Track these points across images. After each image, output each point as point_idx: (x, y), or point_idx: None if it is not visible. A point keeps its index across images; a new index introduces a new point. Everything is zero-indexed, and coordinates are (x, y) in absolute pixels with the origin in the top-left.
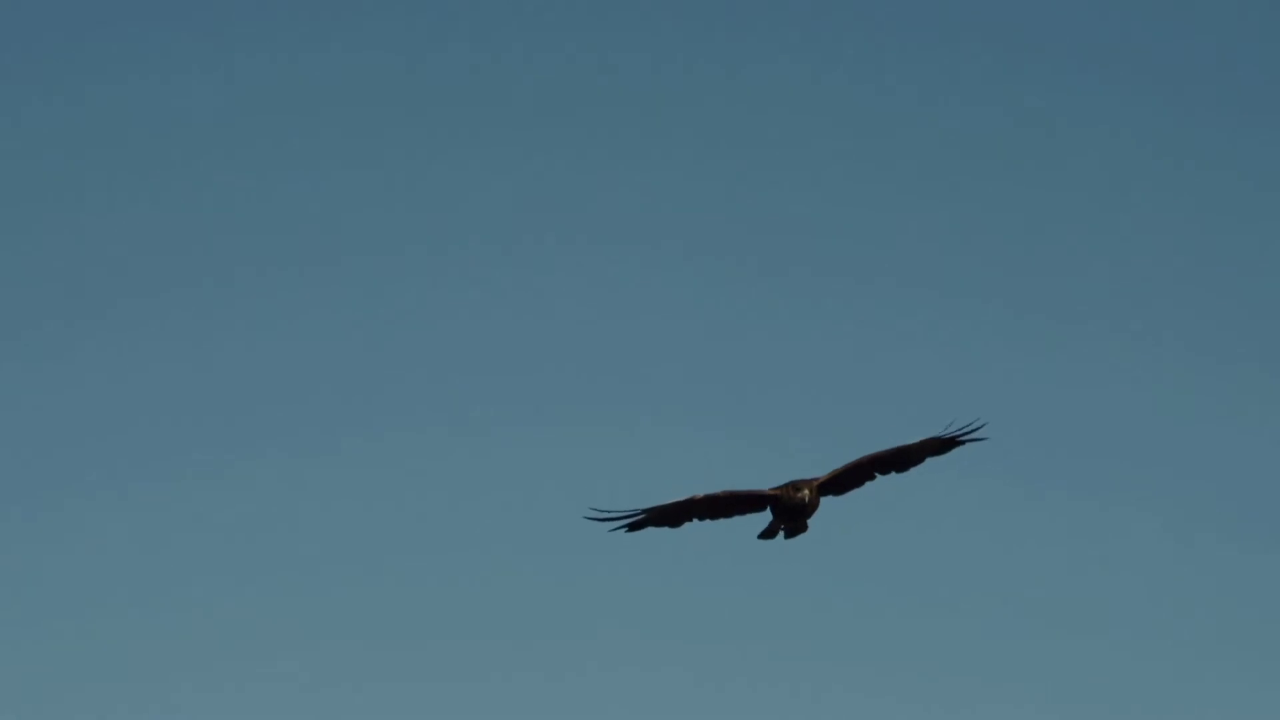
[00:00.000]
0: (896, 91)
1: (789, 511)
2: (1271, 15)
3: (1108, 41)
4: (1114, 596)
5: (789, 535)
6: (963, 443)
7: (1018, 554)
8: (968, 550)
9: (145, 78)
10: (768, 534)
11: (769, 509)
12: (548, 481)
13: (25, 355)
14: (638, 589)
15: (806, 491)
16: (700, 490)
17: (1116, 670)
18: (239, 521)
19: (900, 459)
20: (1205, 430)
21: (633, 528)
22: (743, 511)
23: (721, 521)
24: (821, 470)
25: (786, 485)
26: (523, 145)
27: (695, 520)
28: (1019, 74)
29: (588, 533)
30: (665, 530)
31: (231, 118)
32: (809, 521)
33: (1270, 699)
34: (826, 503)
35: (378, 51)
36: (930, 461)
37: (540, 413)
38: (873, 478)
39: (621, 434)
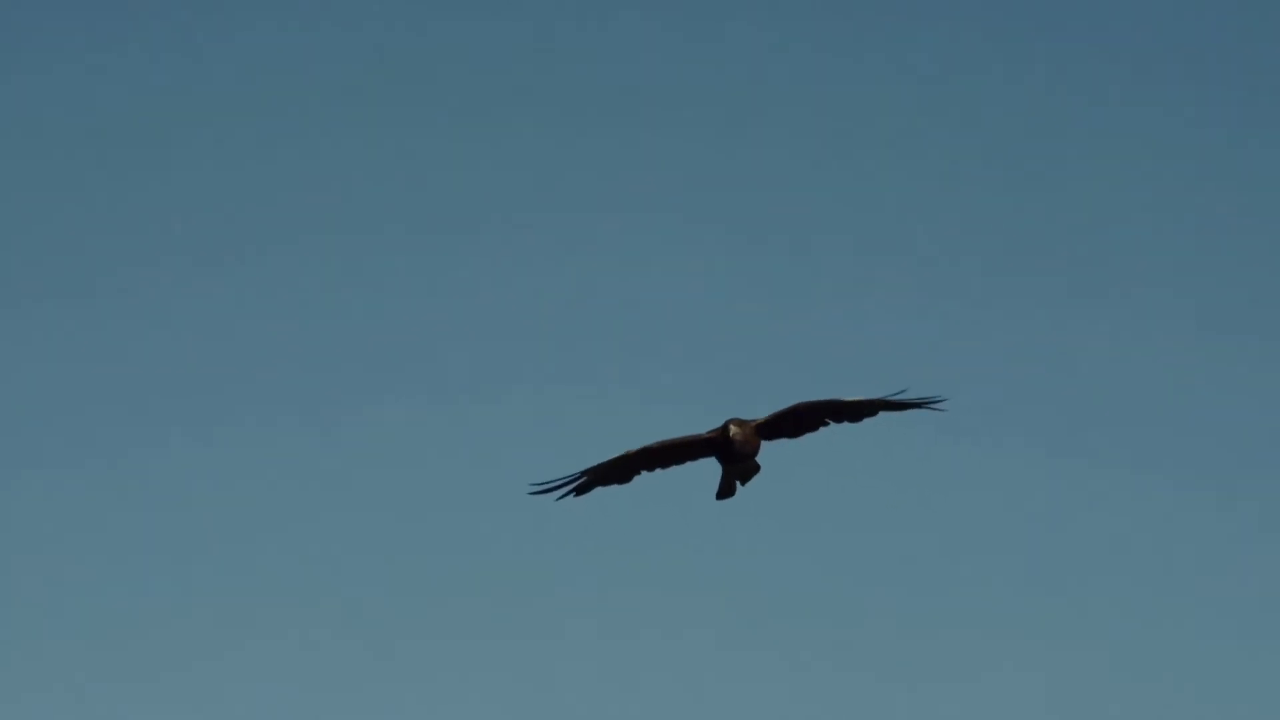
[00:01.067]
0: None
1: (729, 454)
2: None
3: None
4: (1080, 555)
5: (744, 481)
6: (919, 407)
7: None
8: (928, 506)
9: (117, 52)
10: (725, 492)
11: (715, 457)
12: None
13: None
14: (593, 554)
15: (734, 428)
16: (634, 445)
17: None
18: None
19: (850, 411)
20: (1185, 395)
21: (579, 491)
22: (687, 458)
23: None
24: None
25: (727, 426)
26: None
27: (645, 472)
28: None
29: (538, 506)
30: (618, 489)
31: (206, 95)
32: (759, 461)
33: (1245, 657)
34: (785, 455)
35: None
36: (884, 415)
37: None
38: (825, 424)
39: (572, 400)
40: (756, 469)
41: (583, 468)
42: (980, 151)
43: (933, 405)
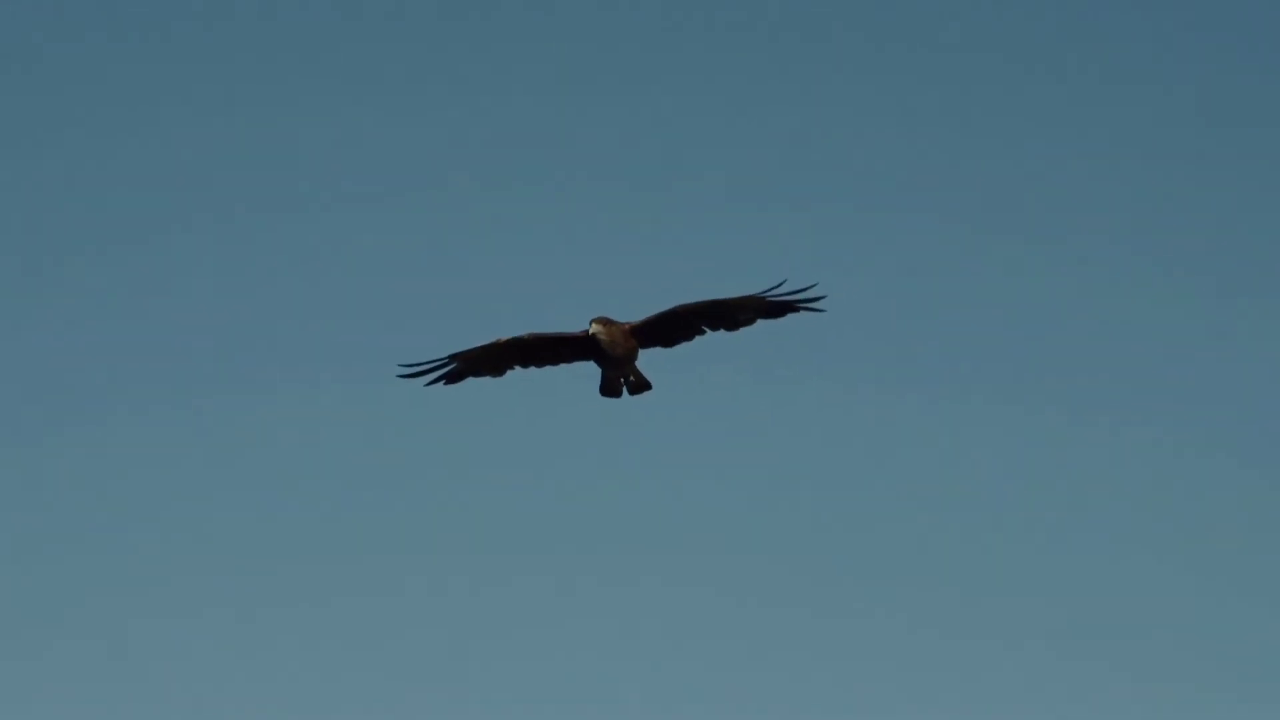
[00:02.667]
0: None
1: (600, 355)
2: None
3: None
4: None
5: (632, 389)
6: (796, 309)
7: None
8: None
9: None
10: (609, 390)
11: (594, 361)
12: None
13: None
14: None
15: (596, 325)
16: (506, 334)
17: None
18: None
19: (722, 313)
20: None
21: (449, 379)
22: (561, 358)
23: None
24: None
25: (598, 327)
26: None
27: (519, 368)
28: None
29: (409, 391)
30: (491, 383)
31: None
32: (650, 379)
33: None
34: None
35: None
36: (763, 324)
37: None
38: (701, 331)
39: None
40: (647, 385)
41: (451, 352)
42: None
43: (811, 306)
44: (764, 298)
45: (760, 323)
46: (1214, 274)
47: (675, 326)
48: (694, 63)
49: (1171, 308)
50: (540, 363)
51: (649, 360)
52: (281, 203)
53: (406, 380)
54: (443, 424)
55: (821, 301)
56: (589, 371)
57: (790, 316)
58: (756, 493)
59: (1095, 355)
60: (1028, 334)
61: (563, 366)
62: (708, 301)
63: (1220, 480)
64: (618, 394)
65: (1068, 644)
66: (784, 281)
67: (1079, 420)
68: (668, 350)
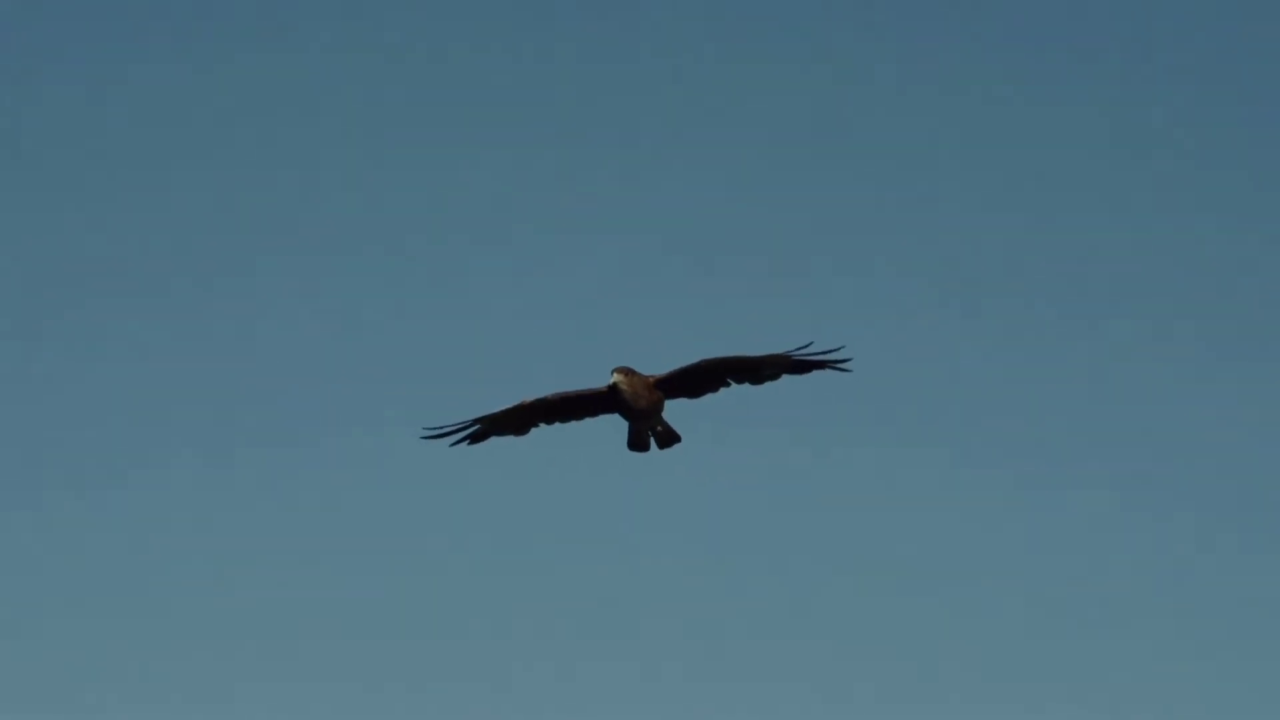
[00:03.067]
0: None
1: (625, 408)
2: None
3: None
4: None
5: (661, 442)
6: (823, 367)
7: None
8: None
9: (126, 73)
10: (636, 444)
11: (619, 414)
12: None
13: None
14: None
15: (618, 375)
16: (530, 395)
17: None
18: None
19: (748, 368)
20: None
21: (474, 439)
22: (586, 413)
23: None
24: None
25: (619, 378)
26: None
27: (543, 425)
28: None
29: (432, 453)
30: (515, 441)
31: (215, 115)
32: (677, 430)
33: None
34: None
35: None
36: (787, 379)
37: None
38: (726, 384)
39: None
40: (676, 438)
41: (476, 415)
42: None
43: (838, 365)
44: (790, 356)
45: (785, 377)
46: (1232, 353)
47: (700, 379)
48: (725, 126)
49: (1200, 380)
50: (565, 419)
51: (676, 411)
52: (304, 258)
53: (431, 441)
54: (465, 478)
55: (849, 362)
56: (618, 425)
57: (815, 372)
58: (784, 560)
59: (1120, 422)
60: (1053, 401)
61: (589, 420)
62: (734, 357)
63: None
64: (646, 448)
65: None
66: (811, 343)
67: (1102, 488)
68: (693, 401)
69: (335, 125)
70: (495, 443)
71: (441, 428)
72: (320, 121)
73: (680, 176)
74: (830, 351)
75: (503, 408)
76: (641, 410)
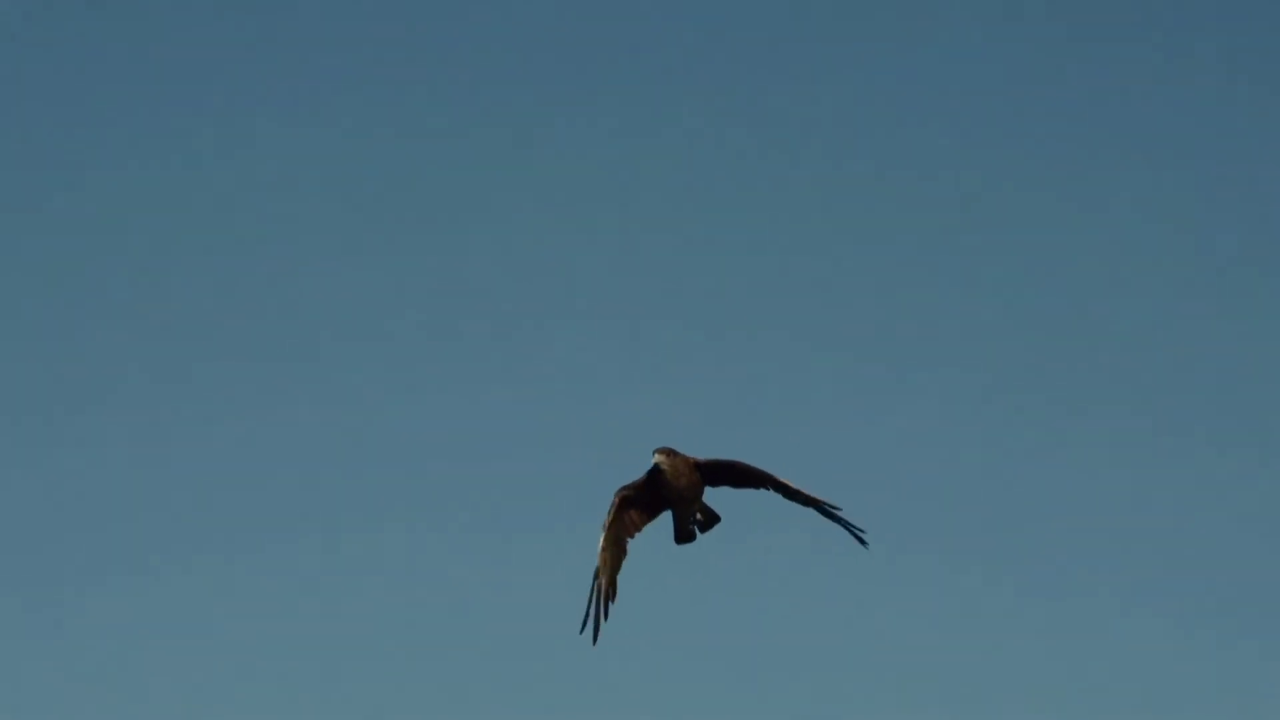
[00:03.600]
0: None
1: (667, 488)
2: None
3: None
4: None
5: (701, 527)
6: (844, 527)
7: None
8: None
9: (140, 159)
10: (683, 536)
11: (664, 501)
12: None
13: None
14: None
15: (660, 456)
16: (600, 518)
17: None
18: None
19: (781, 489)
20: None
21: (610, 599)
22: (650, 507)
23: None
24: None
25: (660, 458)
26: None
27: (634, 534)
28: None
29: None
30: (626, 568)
31: (230, 197)
32: (715, 510)
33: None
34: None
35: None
36: (815, 514)
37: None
38: (765, 489)
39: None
40: (716, 519)
41: (590, 581)
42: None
43: (856, 535)
44: (822, 504)
45: (814, 511)
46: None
47: (737, 477)
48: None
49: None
50: (639, 521)
51: (715, 500)
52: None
53: (594, 631)
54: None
55: (865, 536)
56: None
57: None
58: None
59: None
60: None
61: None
62: (771, 476)
63: None
64: (692, 537)
65: None
66: (841, 509)
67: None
68: (733, 490)
69: (356, 207)
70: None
71: (587, 616)
72: (337, 202)
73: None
74: (855, 527)
75: (598, 549)
76: (681, 490)
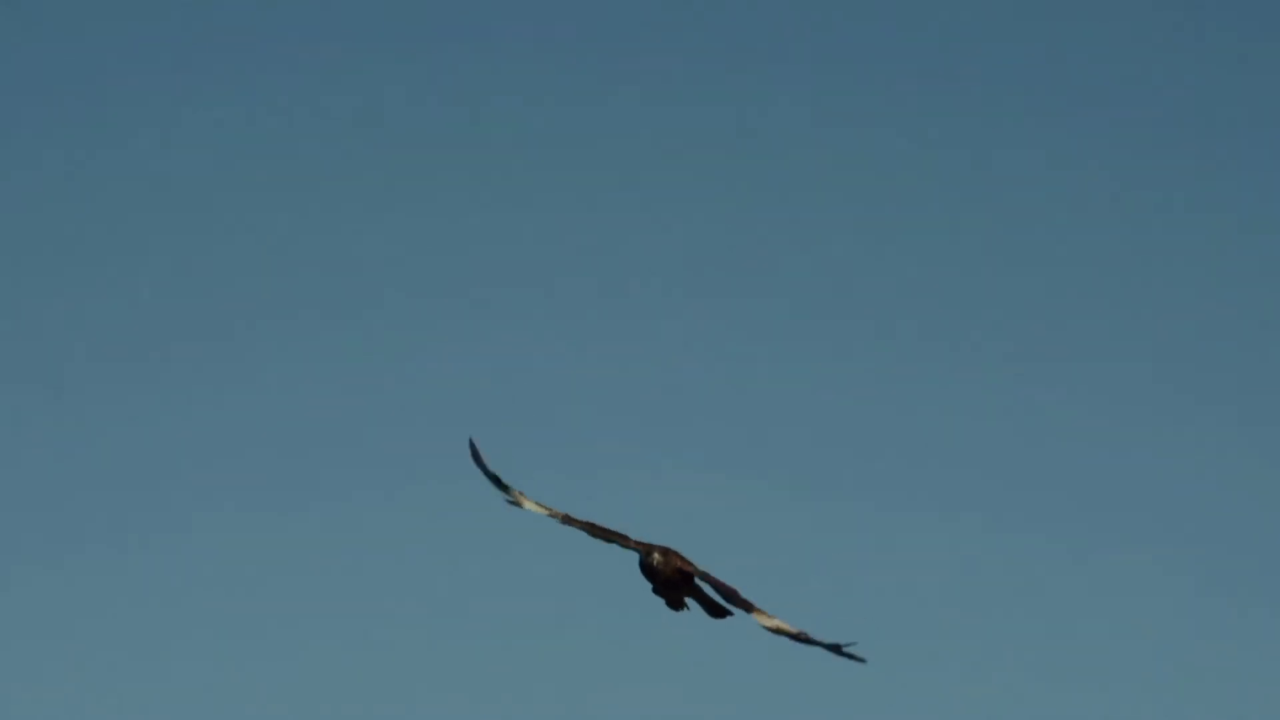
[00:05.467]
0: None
1: (648, 573)
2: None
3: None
4: None
5: (708, 610)
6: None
7: None
8: None
9: (150, 122)
10: (673, 604)
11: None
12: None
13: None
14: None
15: (659, 556)
16: (577, 512)
17: None
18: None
19: (751, 611)
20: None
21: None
22: (617, 543)
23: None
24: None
25: (648, 547)
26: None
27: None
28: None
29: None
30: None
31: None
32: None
33: None
34: None
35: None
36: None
37: None
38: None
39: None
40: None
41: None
42: None
43: (853, 656)
44: (803, 635)
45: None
46: None
47: (722, 600)
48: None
49: None
50: (596, 537)
51: None
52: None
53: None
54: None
55: (861, 653)
56: None
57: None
58: None
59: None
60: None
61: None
62: (742, 600)
63: None
64: (679, 606)
65: None
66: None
67: None
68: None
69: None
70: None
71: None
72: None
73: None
74: (845, 645)
75: (551, 507)
76: (660, 582)
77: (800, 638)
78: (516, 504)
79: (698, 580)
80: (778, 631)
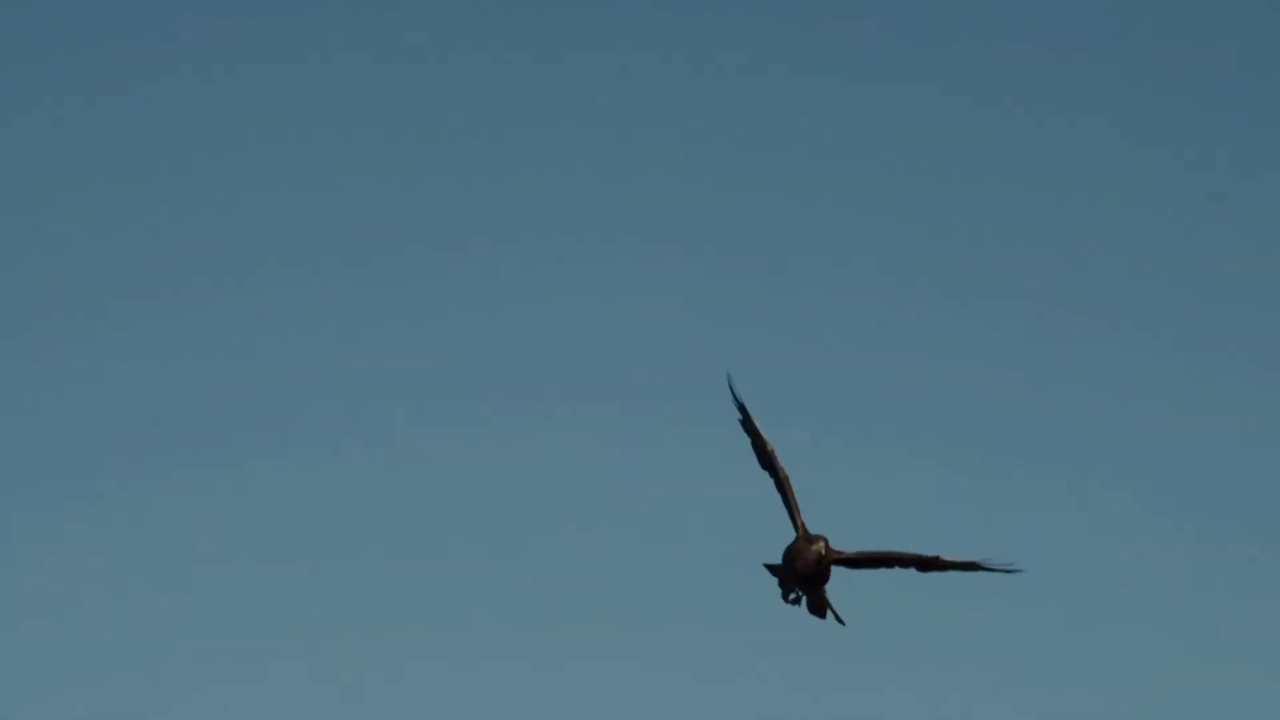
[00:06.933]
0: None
1: (793, 564)
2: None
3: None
4: None
5: (810, 609)
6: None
7: None
8: None
9: (144, 81)
10: (785, 593)
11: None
12: None
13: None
14: None
15: (822, 544)
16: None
17: None
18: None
19: (928, 566)
20: None
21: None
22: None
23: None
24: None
25: (807, 532)
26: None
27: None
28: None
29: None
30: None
31: (233, 119)
32: (830, 610)
33: None
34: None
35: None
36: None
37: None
38: (891, 568)
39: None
40: (820, 609)
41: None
42: None
43: (1010, 568)
44: (977, 564)
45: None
46: None
47: (878, 564)
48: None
49: None
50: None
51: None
52: None
53: None
54: None
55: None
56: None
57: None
58: None
59: None
60: None
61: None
62: (928, 557)
63: None
64: (788, 596)
65: None
66: (992, 556)
67: None
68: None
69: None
70: None
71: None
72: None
73: None
74: (1008, 565)
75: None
76: (802, 574)
77: (959, 562)
78: (749, 421)
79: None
80: (933, 564)
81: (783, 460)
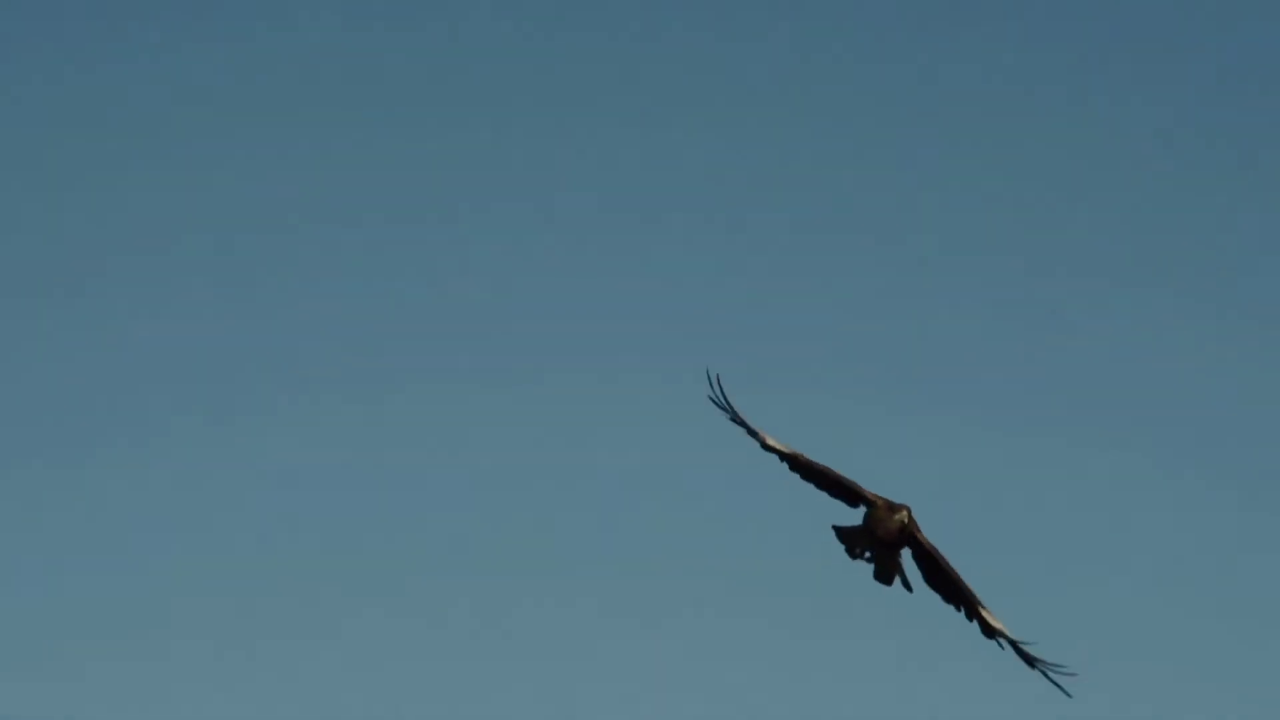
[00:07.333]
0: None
1: (874, 531)
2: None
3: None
4: None
5: (877, 575)
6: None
7: None
8: None
9: (132, 56)
10: (854, 551)
11: (862, 519)
12: None
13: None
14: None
15: (905, 514)
16: (809, 453)
17: None
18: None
19: (988, 630)
20: None
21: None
22: (837, 496)
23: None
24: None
25: (889, 502)
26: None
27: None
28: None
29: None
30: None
31: (222, 92)
32: (899, 576)
33: None
34: None
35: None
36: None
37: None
38: (960, 607)
39: None
40: (891, 578)
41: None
42: None
43: (1059, 682)
44: (1024, 653)
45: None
46: None
47: (937, 576)
48: None
49: None
50: (811, 480)
51: None
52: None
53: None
54: None
55: (1070, 682)
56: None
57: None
58: None
59: None
60: None
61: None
62: (972, 595)
63: None
64: (859, 556)
65: None
66: (1042, 660)
67: None
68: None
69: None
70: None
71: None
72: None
73: None
74: (1060, 669)
75: (785, 445)
76: (879, 539)
77: (1017, 646)
78: (758, 438)
79: (903, 552)
80: (995, 633)
81: (809, 456)
